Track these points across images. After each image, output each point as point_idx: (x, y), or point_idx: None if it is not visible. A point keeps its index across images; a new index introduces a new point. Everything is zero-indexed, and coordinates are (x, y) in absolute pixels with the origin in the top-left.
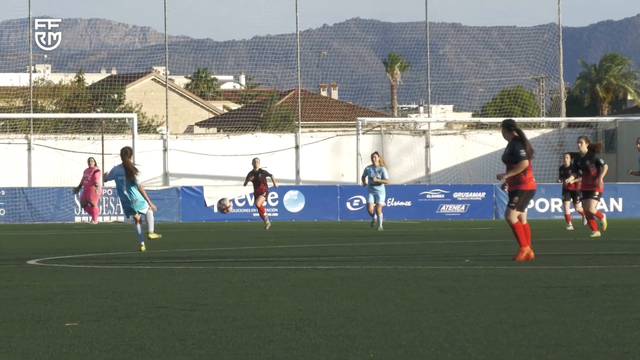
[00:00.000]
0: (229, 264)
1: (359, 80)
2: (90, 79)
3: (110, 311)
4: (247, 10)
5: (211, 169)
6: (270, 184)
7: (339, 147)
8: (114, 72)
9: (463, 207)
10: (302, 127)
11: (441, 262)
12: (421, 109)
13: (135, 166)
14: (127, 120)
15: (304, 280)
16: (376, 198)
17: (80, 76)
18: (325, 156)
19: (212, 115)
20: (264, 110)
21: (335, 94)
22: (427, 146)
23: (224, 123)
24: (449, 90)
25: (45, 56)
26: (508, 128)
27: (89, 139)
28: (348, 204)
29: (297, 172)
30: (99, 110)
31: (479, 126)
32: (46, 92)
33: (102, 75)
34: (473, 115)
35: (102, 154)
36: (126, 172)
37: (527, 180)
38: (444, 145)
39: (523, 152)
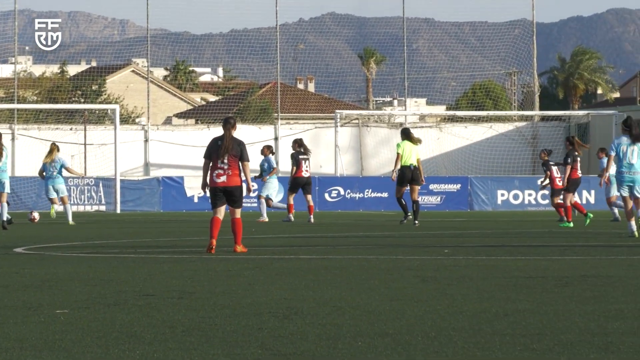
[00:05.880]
0: (213, 253)
1: (334, 73)
2: (71, 70)
3: (99, 299)
4: (224, 3)
5: (191, 160)
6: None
7: (317, 139)
8: (94, 64)
9: (439, 199)
10: (280, 119)
11: (421, 252)
12: (395, 102)
13: None
14: (109, 112)
15: (288, 269)
16: None
17: (64, 68)
18: None
19: (190, 107)
20: (243, 102)
21: (311, 87)
22: None
23: (202, 114)
24: (422, 84)
25: (27, 48)
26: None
27: (71, 129)
28: (326, 195)
29: (277, 164)
30: (81, 101)
31: (454, 119)
32: (28, 83)
33: (82, 67)
34: (447, 109)
35: (85, 144)
36: None
37: (209, 177)
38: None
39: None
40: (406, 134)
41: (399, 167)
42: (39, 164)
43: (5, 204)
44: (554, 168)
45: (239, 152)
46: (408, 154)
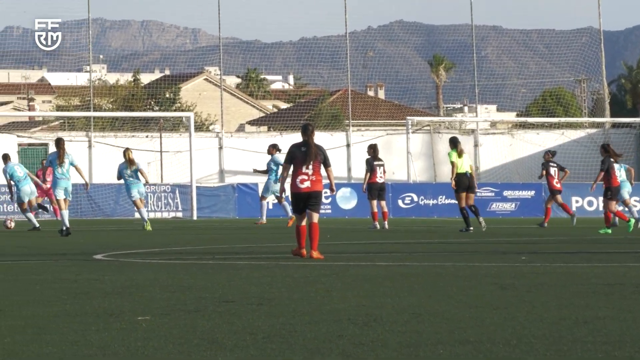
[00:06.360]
0: (289, 260)
1: (403, 80)
2: (145, 78)
3: (179, 305)
4: (293, 12)
5: (265, 166)
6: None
7: (389, 145)
8: (167, 72)
9: (513, 205)
10: (352, 125)
11: (497, 259)
12: (465, 108)
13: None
14: (183, 119)
15: (365, 276)
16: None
17: (137, 76)
18: None
19: (262, 114)
20: (314, 109)
21: (381, 94)
22: (476, 145)
23: (274, 122)
24: (492, 91)
25: (101, 56)
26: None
27: (147, 136)
28: (400, 202)
29: (349, 170)
30: (156, 109)
31: (526, 126)
32: (103, 91)
33: (156, 75)
34: (518, 115)
35: (161, 151)
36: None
37: (291, 183)
38: (492, 144)
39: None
40: (454, 144)
41: (455, 175)
42: (117, 171)
43: (66, 211)
44: (553, 170)
45: (322, 158)
46: (462, 162)
